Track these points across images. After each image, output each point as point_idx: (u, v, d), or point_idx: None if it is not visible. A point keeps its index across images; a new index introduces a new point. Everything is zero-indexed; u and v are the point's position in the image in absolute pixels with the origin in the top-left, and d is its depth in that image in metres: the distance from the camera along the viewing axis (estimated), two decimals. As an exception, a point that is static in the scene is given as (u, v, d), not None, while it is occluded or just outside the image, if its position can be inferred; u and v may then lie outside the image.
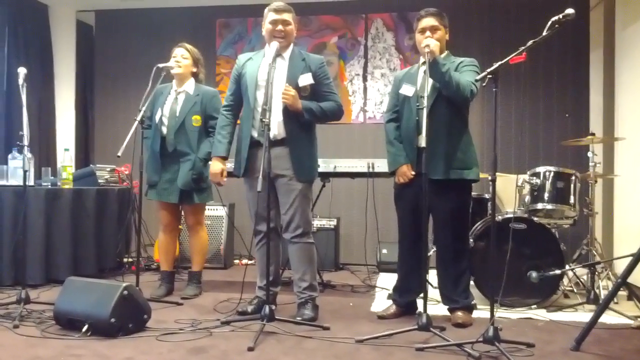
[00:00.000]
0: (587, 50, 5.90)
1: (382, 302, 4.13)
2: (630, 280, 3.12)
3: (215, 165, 3.73)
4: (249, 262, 5.53)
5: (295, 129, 3.59)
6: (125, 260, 5.39)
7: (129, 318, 3.18)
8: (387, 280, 4.88)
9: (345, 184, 5.59)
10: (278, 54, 3.56)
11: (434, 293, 3.92)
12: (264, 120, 3.28)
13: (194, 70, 4.31)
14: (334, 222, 5.71)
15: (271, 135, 3.54)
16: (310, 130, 3.71)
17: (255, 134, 3.61)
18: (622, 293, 3.98)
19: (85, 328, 3.13)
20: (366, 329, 3.39)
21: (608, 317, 3.60)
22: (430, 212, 3.62)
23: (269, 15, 3.62)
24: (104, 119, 6.75)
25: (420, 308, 3.21)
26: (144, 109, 3.93)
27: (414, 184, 3.55)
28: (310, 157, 3.70)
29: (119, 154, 3.63)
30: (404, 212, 3.71)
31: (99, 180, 5.16)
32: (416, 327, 3.10)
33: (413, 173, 3.60)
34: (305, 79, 3.61)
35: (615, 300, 3.93)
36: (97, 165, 5.36)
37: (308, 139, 3.68)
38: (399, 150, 3.68)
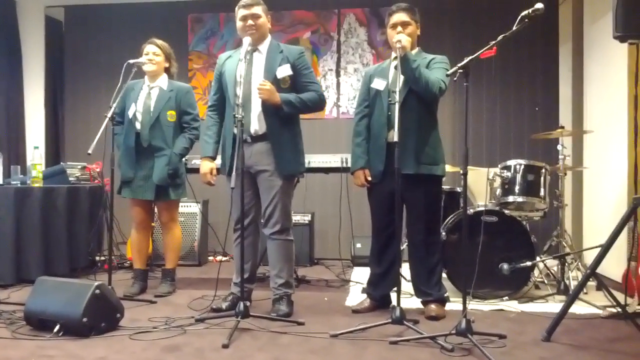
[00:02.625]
0: (557, 45, 5.98)
1: (356, 296, 4.15)
2: (599, 270, 3.18)
3: (204, 165, 3.71)
4: (223, 258, 5.52)
5: (276, 124, 3.57)
6: (97, 258, 5.33)
7: (101, 317, 3.15)
8: (362, 274, 4.91)
9: (320, 179, 5.60)
10: (254, 48, 3.56)
11: (407, 286, 3.95)
12: (236, 116, 3.27)
13: (167, 65, 4.28)
14: (308, 218, 5.72)
15: (252, 131, 3.54)
16: (293, 124, 3.68)
17: (237, 131, 3.59)
18: (592, 283, 4.05)
19: (56, 328, 3.09)
20: (341, 323, 3.40)
21: (578, 307, 3.68)
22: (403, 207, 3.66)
23: (239, 12, 3.60)
24: (75, 116, 6.66)
25: (394, 301, 3.24)
26: (114, 105, 3.89)
27: (385, 179, 3.57)
28: (293, 151, 3.67)
29: (90, 151, 3.58)
30: (377, 207, 3.74)
31: (70, 178, 5.08)
32: (390, 320, 3.13)
33: (369, 178, 3.67)
34: (283, 71, 3.59)
35: (584, 290, 4.02)
36: (68, 163, 5.28)
37: (290, 132, 3.66)
38: (361, 154, 3.73)
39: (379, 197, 3.70)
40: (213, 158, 3.74)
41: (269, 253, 3.68)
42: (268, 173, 3.59)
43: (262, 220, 3.68)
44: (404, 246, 4.47)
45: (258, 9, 3.60)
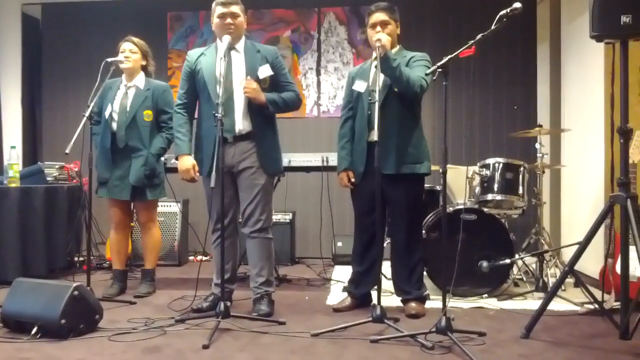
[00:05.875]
0: (535, 44, 6.03)
1: (337, 294, 4.16)
2: (576, 267, 3.22)
3: (186, 161, 3.61)
4: (204, 258, 5.49)
5: (260, 123, 3.58)
6: (76, 259, 5.27)
7: (80, 319, 3.12)
8: (343, 273, 4.92)
9: (300, 178, 5.60)
10: (231, 47, 3.53)
11: (388, 285, 3.96)
12: (216, 115, 3.25)
13: (143, 63, 4.24)
14: (289, 217, 5.72)
15: (236, 130, 3.52)
16: (273, 123, 3.70)
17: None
18: (570, 280, 4.09)
19: (34, 330, 3.05)
20: (322, 322, 3.40)
21: (556, 304, 3.71)
22: (385, 206, 3.68)
23: (217, 10, 3.58)
24: (52, 115, 6.58)
25: (374, 300, 3.25)
26: (92, 104, 3.85)
27: (369, 179, 3.58)
28: (275, 149, 3.69)
29: (67, 150, 3.55)
30: (360, 207, 3.75)
31: (48, 178, 5.03)
32: (370, 319, 3.14)
33: (353, 180, 3.70)
34: (265, 71, 3.59)
35: (562, 287, 4.06)
36: (46, 163, 5.22)
37: (272, 131, 3.68)
38: (345, 155, 3.76)
39: (360, 196, 3.72)
40: (190, 155, 3.69)
41: (249, 252, 3.67)
42: (251, 171, 3.57)
43: (240, 220, 3.67)
44: (385, 244, 4.49)
45: (236, 8, 3.58)
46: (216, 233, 3.67)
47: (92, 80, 3.92)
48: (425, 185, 4.70)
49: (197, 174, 3.66)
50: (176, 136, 3.70)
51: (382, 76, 3.48)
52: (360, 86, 3.69)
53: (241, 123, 3.55)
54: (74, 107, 6.32)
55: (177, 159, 3.70)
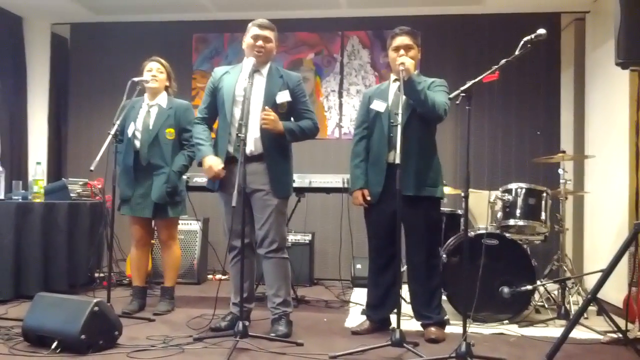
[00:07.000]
0: (558, 70, 6.00)
1: (356, 317, 4.13)
2: (599, 295, 3.16)
3: (210, 159, 3.55)
4: (223, 277, 5.50)
5: (272, 145, 3.59)
6: (96, 275, 5.31)
7: (99, 334, 3.14)
8: (361, 296, 4.88)
9: (320, 199, 5.60)
10: (255, 69, 3.56)
11: (407, 308, 3.93)
12: (239, 135, 3.28)
13: (167, 84, 4.31)
14: (308, 237, 5.71)
15: (247, 151, 3.52)
16: (286, 146, 3.70)
17: (231, 150, 3.58)
18: (592, 308, 4.02)
19: (54, 345, 3.07)
20: (340, 344, 3.38)
21: (578, 332, 3.66)
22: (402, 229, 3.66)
23: (252, 30, 3.62)
24: (77, 133, 6.67)
25: (393, 324, 3.22)
26: (118, 122, 3.90)
27: (385, 201, 3.57)
28: (286, 172, 3.71)
29: (92, 167, 3.58)
30: (376, 229, 3.72)
31: (71, 194, 5.09)
32: (389, 342, 3.10)
33: (369, 198, 3.67)
34: (283, 96, 3.61)
35: (585, 315, 3.99)
36: (70, 179, 5.29)
37: (284, 154, 3.68)
38: (360, 174, 3.73)
39: (377, 218, 3.69)
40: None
41: (265, 273, 3.66)
42: (263, 192, 3.59)
43: (256, 240, 3.67)
44: (404, 268, 4.46)
45: (270, 34, 3.63)
46: (232, 251, 3.69)
47: (117, 98, 3.98)
48: (447, 209, 4.71)
49: (223, 170, 3.55)
50: (197, 142, 3.69)
51: (404, 98, 3.49)
52: (379, 106, 3.69)
53: (253, 144, 3.56)
54: (98, 125, 6.39)
55: (199, 164, 3.67)
